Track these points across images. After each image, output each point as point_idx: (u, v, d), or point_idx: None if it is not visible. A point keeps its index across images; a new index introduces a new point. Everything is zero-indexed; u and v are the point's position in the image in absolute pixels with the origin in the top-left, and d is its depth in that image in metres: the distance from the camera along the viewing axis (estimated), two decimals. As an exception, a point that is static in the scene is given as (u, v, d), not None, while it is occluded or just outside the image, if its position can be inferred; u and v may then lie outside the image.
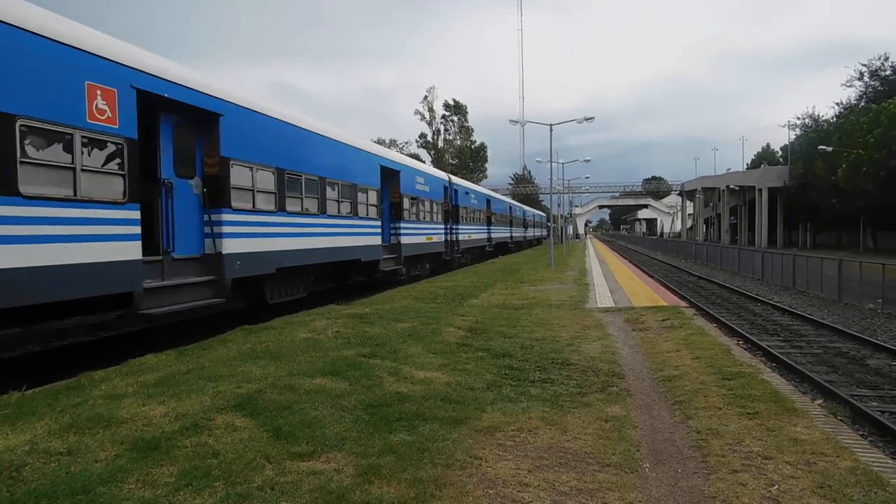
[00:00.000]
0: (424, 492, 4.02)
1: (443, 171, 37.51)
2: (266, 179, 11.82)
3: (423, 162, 58.98)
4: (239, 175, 10.89)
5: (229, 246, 10.46)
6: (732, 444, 5.03)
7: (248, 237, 11.12)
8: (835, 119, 61.28)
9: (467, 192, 31.48)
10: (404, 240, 20.45)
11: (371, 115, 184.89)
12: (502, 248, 43.85)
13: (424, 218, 23.36)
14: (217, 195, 10.35)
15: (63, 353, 9.40)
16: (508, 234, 45.93)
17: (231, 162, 10.65)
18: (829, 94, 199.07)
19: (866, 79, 57.95)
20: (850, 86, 60.77)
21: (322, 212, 14.18)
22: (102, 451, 4.49)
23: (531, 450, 4.94)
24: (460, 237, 28.39)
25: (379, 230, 18.20)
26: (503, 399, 6.31)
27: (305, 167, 13.46)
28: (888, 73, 55.68)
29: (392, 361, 7.64)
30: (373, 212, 17.51)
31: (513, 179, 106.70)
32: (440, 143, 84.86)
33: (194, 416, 5.25)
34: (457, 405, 5.96)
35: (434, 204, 24.56)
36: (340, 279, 17.60)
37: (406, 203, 20.91)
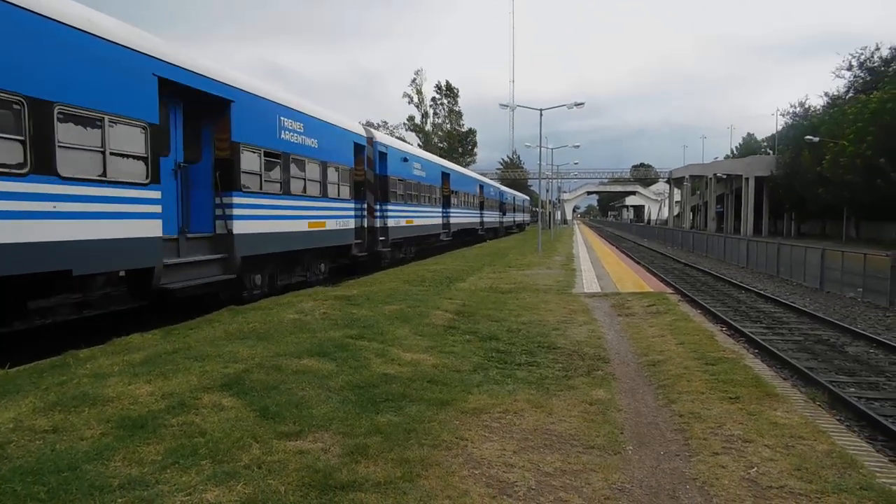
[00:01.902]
0: (411, 471, 4.06)
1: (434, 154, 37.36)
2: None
3: (410, 144, 58.18)
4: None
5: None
6: (714, 427, 5.12)
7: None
8: (822, 109, 61.70)
9: (405, 159, 22.50)
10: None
11: (361, 97, 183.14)
12: (468, 235, 35.04)
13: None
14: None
15: (45, 330, 9.33)
16: (477, 219, 36.74)
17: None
18: (820, 84, 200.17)
19: (855, 69, 58.32)
20: (839, 76, 61.15)
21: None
22: (88, 429, 4.48)
23: (517, 431, 5.00)
24: (375, 224, 19.19)
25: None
26: (489, 381, 6.37)
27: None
28: (877, 63, 56.02)
29: (379, 343, 7.66)
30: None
31: (502, 164, 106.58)
32: (428, 127, 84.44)
33: (181, 395, 5.24)
34: (443, 387, 6.01)
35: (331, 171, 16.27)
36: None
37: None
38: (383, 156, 19.76)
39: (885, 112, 38.18)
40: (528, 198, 78.65)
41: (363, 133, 18.63)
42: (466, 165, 73.89)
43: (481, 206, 37.27)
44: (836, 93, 61.13)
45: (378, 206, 19.27)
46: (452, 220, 30.61)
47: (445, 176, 30.04)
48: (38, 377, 5.81)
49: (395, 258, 22.15)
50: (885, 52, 55.24)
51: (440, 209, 28.32)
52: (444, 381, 6.19)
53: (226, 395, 5.35)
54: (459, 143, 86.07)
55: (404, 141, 51.50)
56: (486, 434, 4.89)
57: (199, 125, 10.61)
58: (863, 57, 57.31)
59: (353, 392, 5.67)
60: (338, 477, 3.93)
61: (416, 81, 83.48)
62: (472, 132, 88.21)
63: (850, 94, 56.26)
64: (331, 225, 15.55)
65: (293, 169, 13.31)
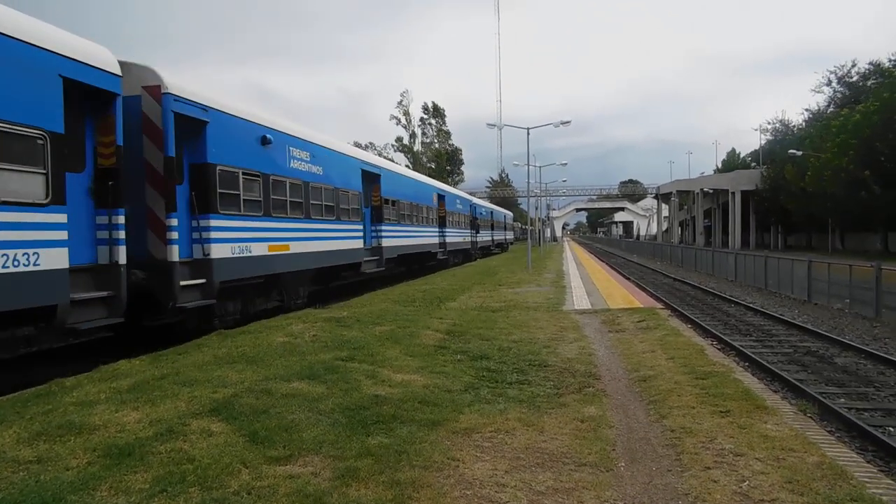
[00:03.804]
0: (402, 493, 4.03)
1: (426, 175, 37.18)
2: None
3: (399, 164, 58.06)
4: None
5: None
6: (705, 441, 5.13)
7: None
8: (805, 124, 62.76)
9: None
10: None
11: (349, 119, 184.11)
12: (419, 261, 27.79)
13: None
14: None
15: (29, 359, 9.20)
16: (436, 239, 29.83)
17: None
18: (801, 99, 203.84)
19: (834, 85, 59.50)
20: (819, 91, 62.33)
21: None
22: (74, 458, 4.41)
23: (508, 450, 4.98)
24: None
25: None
26: (481, 401, 6.35)
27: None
28: (854, 79, 57.18)
29: (370, 364, 7.63)
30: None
31: (490, 183, 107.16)
32: (416, 147, 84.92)
33: (169, 421, 5.18)
34: (434, 407, 5.98)
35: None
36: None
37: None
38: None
39: (867, 125, 38.88)
40: (508, 213, 73.17)
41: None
42: (455, 185, 74.26)
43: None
44: (816, 108, 62.27)
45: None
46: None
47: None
48: (23, 406, 5.72)
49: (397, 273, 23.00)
50: (862, 68, 56.47)
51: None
52: (435, 402, 6.16)
53: (214, 420, 5.29)
54: (448, 163, 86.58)
55: (392, 161, 51.47)
56: (477, 454, 4.87)
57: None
58: (840, 73, 58.55)
59: (344, 414, 5.63)
60: (328, 501, 3.89)
61: (403, 103, 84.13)
62: (458, 151, 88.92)
63: (831, 109, 57.31)
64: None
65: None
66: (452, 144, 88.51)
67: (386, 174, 21.50)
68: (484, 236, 47.83)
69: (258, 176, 12.11)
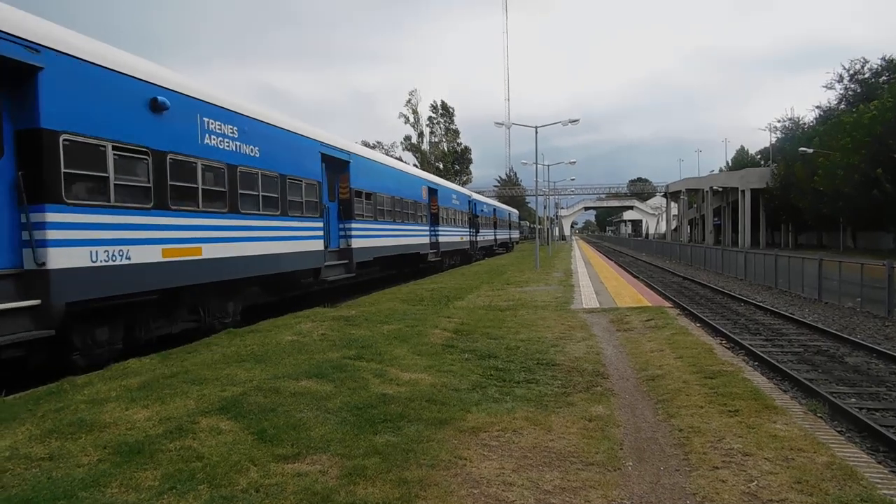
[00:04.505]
0: (409, 492, 4.04)
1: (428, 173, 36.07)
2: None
3: (407, 164, 57.66)
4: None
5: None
6: (713, 441, 5.11)
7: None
8: (815, 121, 62.25)
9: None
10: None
11: (358, 118, 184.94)
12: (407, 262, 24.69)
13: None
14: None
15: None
16: (427, 239, 26.41)
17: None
18: (812, 96, 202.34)
19: (846, 82, 58.95)
20: (830, 88, 61.80)
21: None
22: (85, 455, 4.46)
23: (516, 449, 4.98)
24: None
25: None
26: (488, 400, 6.35)
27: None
28: (866, 76, 56.64)
29: (377, 363, 7.65)
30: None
31: (498, 181, 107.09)
32: (424, 146, 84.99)
33: (178, 419, 5.23)
34: (442, 406, 5.99)
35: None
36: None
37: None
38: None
39: (880, 122, 38.49)
40: (513, 211, 69.03)
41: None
42: (463, 184, 74.24)
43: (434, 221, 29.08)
44: (827, 105, 61.73)
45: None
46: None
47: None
48: (35, 404, 5.79)
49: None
50: (874, 64, 55.93)
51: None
52: (442, 401, 6.17)
53: (223, 418, 5.33)
54: (456, 162, 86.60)
55: (402, 160, 50.95)
56: (484, 453, 4.87)
57: None
58: (853, 69, 58.00)
59: (352, 413, 5.65)
60: (336, 499, 3.91)
61: (412, 101, 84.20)
62: (467, 150, 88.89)
63: (843, 106, 56.81)
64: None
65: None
66: (461, 143, 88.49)
67: (358, 161, 17.62)
68: (485, 235, 44.36)
69: (144, 153, 8.78)
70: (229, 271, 10.91)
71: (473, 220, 38.63)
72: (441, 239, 28.76)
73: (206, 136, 10.37)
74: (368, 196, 18.43)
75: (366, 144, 60.56)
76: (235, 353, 8.20)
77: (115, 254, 8.23)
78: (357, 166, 17.40)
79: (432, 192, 27.90)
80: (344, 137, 18.07)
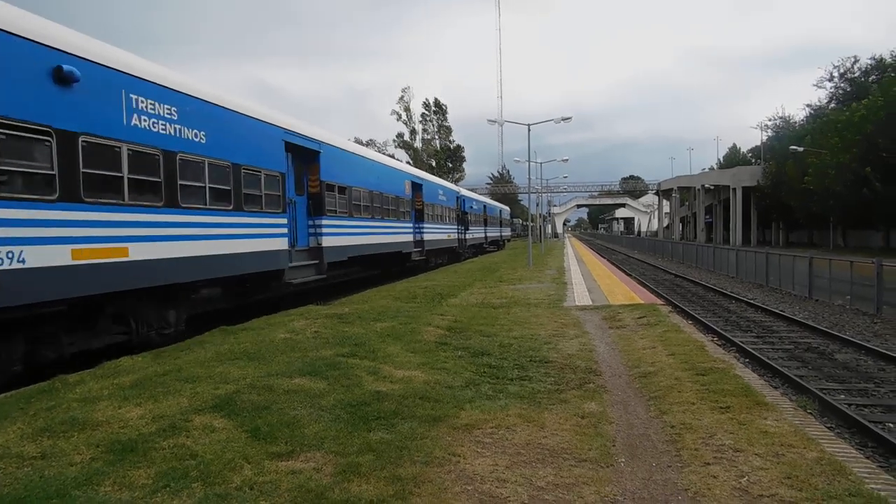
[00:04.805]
0: (403, 489, 4.05)
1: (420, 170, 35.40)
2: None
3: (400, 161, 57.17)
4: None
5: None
6: (705, 437, 5.15)
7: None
8: (806, 120, 62.70)
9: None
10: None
11: (352, 115, 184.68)
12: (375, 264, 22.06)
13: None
14: None
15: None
16: (410, 236, 24.62)
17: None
18: (803, 95, 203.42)
19: (836, 80, 59.40)
20: (820, 87, 62.28)
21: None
22: (77, 454, 4.44)
23: (509, 446, 5.00)
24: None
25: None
26: (481, 397, 6.37)
27: None
28: (856, 75, 57.08)
29: (371, 361, 7.65)
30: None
31: (491, 179, 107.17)
32: (417, 143, 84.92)
33: (171, 417, 5.22)
34: (435, 403, 6.01)
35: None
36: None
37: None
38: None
39: (870, 121, 38.80)
40: (503, 207, 65.78)
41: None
42: (456, 181, 74.21)
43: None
44: (817, 104, 62.22)
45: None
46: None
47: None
48: (26, 403, 5.76)
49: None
50: (864, 63, 56.37)
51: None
52: (436, 398, 6.19)
53: (217, 416, 5.32)
54: (448, 160, 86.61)
55: (394, 158, 50.46)
56: (478, 450, 4.89)
57: None
58: (843, 68, 58.45)
59: (345, 410, 5.66)
60: (330, 496, 3.92)
61: (404, 99, 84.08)
62: (460, 148, 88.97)
63: (833, 105, 57.23)
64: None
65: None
66: (454, 141, 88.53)
67: (330, 152, 15.75)
68: (475, 233, 42.50)
69: (45, 134, 7.32)
70: (166, 275, 9.36)
71: (462, 216, 36.74)
72: (426, 237, 26.99)
73: (135, 116, 8.82)
74: (342, 190, 16.77)
75: (358, 142, 60.39)
76: (228, 350, 8.18)
77: (2, 256, 6.71)
78: (329, 157, 15.71)
79: (416, 186, 26.17)
80: (317, 126, 16.31)
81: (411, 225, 24.77)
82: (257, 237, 12.13)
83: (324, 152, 15.36)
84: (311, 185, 15.04)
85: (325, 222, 15.33)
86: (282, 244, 13.08)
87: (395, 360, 7.84)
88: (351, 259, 17.55)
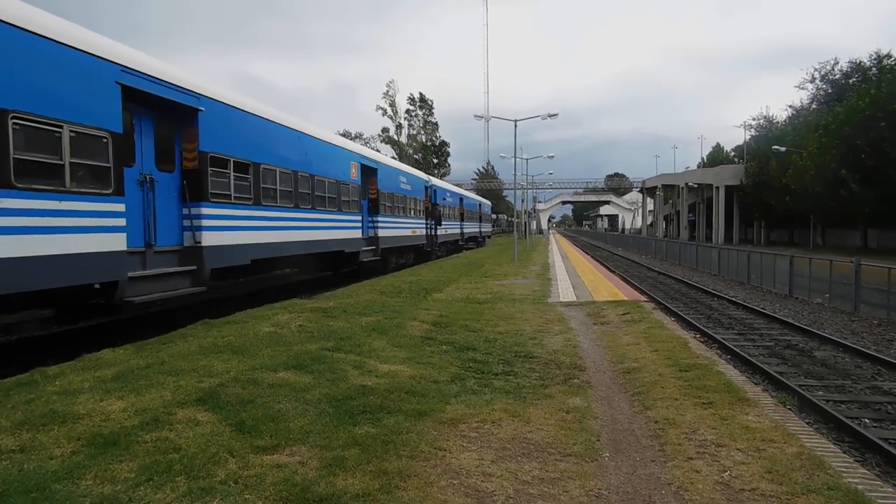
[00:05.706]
0: (389, 483, 4.05)
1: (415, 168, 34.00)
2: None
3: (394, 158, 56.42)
4: None
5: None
6: (688, 432, 5.21)
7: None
8: (787, 120, 63.50)
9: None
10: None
11: (337, 110, 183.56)
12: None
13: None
14: None
15: (7, 348, 9.08)
16: (358, 233, 20.20)
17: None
18: (785, 95, 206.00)
19: (818, 82, 60.19)
20: (802, 88, 63.10)
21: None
22: (58, 447, 4.38)
23: (494, 441, 5.02)
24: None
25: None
26: (467, 391, 6.39)
27: None
28: (837, 76, 57.88)
29: (356, 355, 7.63)
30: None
31: (477, 175, 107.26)
32: (402, 138, 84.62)
33: (154, 410, 5.16)
34: (421, 398, 6.01)
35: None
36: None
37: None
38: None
39: (849, 123, 39.40)
40: (484, 202, 60.55)
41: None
42: (441, 176, 74.17)
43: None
44: (799, 104, 63.04)
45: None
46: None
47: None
48: (5, 395, 5.66)
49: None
50: (844, 66, 57.19)
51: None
52: (421, 392, 6.19)
53: (201, 409, 5.27)
54: (434, 155, 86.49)
55: (379, 152, 49.91)
56: (463, 444, 4.90)
57: None
58: (824, 70, 59.24)
59: (331, 404, 5.64)
60: (316, 490, 3.90)
61: (389, 93, 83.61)
62: (445, 144, 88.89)
63: (814, 106, 58.02)
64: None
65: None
66: (439, 136, 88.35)
67: (216, 110, 11.39)
68: (449, 228, 36.99)
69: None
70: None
71: (432, 209, 31.54)
72: (383, 233, 22.35)
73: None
74: (241, 167, 12.18)
75: (345, 136, 59.94)
76: (212, 344, 8.11)
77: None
78: (216, 118, 11.28)
79: (369, 171, 21.37)
80: (210, 81, 11.77)
81: (360, 217, 20.25)
82: (68, 233, 7.91)
83: (206, 111, 10.92)
84: (185, 160, 10.82)
85: (206, 211, 11.01)
86: (117, 243, 8.72)
87: (380, 354, 7.82)
88: (262, 263, 13.40)
